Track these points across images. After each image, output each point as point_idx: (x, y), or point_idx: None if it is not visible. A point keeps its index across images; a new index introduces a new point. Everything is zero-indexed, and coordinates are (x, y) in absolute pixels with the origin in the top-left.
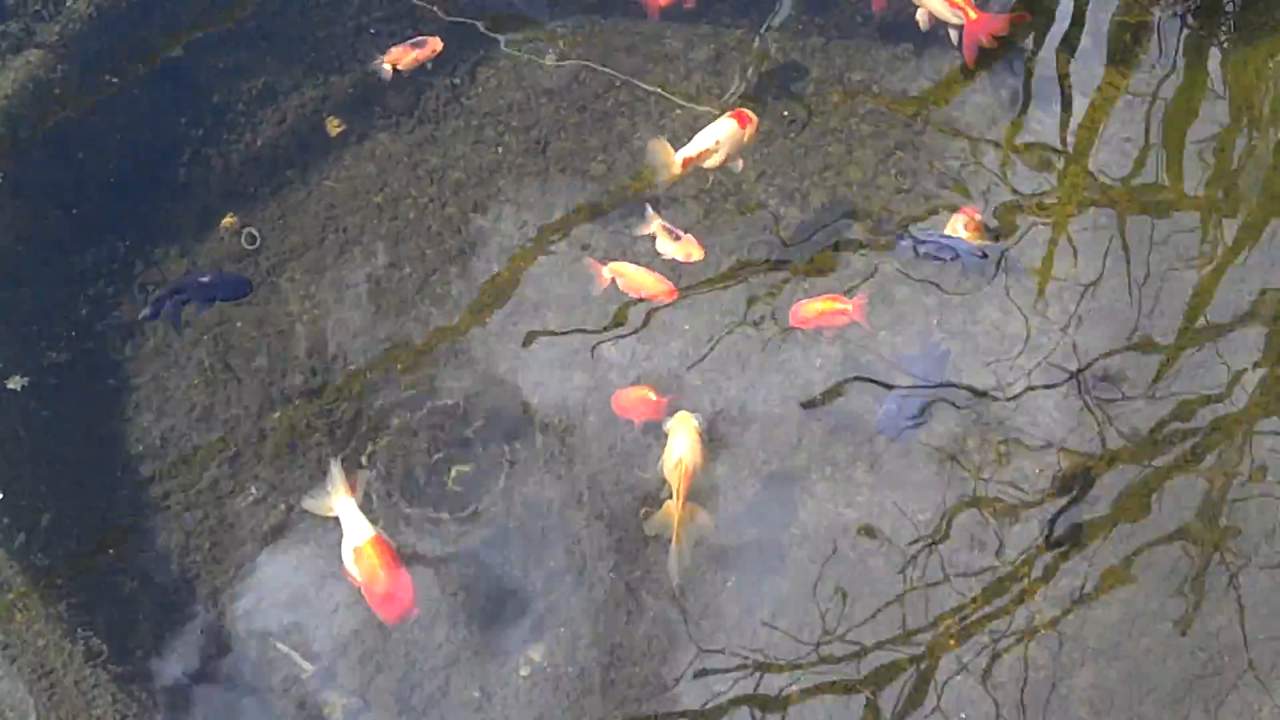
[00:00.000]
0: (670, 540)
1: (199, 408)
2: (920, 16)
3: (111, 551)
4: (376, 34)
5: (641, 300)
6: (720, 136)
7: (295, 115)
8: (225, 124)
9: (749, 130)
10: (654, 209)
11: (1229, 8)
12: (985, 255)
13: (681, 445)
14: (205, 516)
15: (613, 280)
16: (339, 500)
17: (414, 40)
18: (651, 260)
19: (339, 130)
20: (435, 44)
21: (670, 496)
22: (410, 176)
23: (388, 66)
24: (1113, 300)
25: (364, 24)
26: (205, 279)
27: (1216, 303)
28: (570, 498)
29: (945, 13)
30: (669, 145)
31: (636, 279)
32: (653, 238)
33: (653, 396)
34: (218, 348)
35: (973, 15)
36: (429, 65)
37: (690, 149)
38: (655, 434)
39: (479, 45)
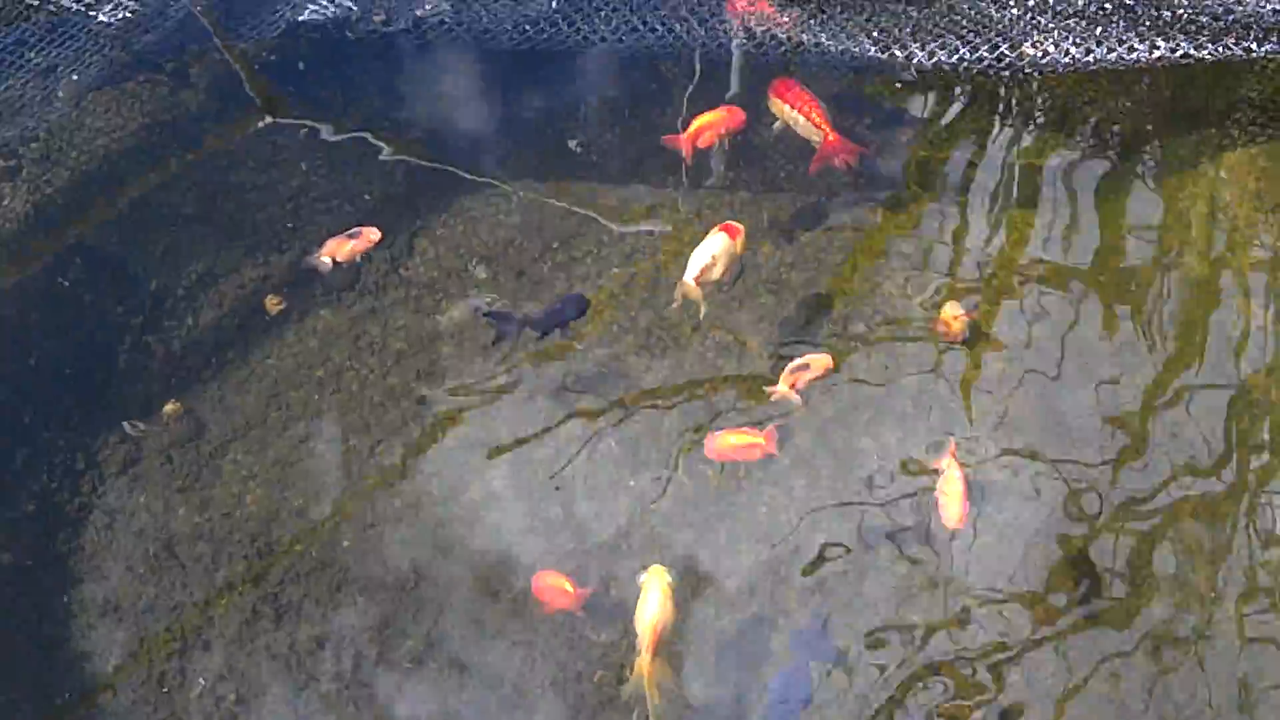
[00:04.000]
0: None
1: (144, 599)
2: (777, 126)
3: None
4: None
5: (590, 460)
6: (715, 251)
7: (235, 296)
8: (164, 310)
9: (740, 240)
10: (769, 388)
11: (1132, 147)
12: None
13: (653, 601)
14: (154, 710)
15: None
16: None
17: (350, 231)
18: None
19: (279, 308)
20: (372, 234)
21: (641, 652)
22: (352, 349)
23: (326, 260)
24: (1043, 437)
25: (301, 204)
26: (558, 309)
27: (1146, 435)
28: (526, 664)
29: (806, 130)
30: (683, 280)
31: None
32: (793, 396)
33: (569, 587)
34: (161, 535)
35: (830, 136)
36: (365, 258)
37: (692, 270)
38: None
39: (415, 216)
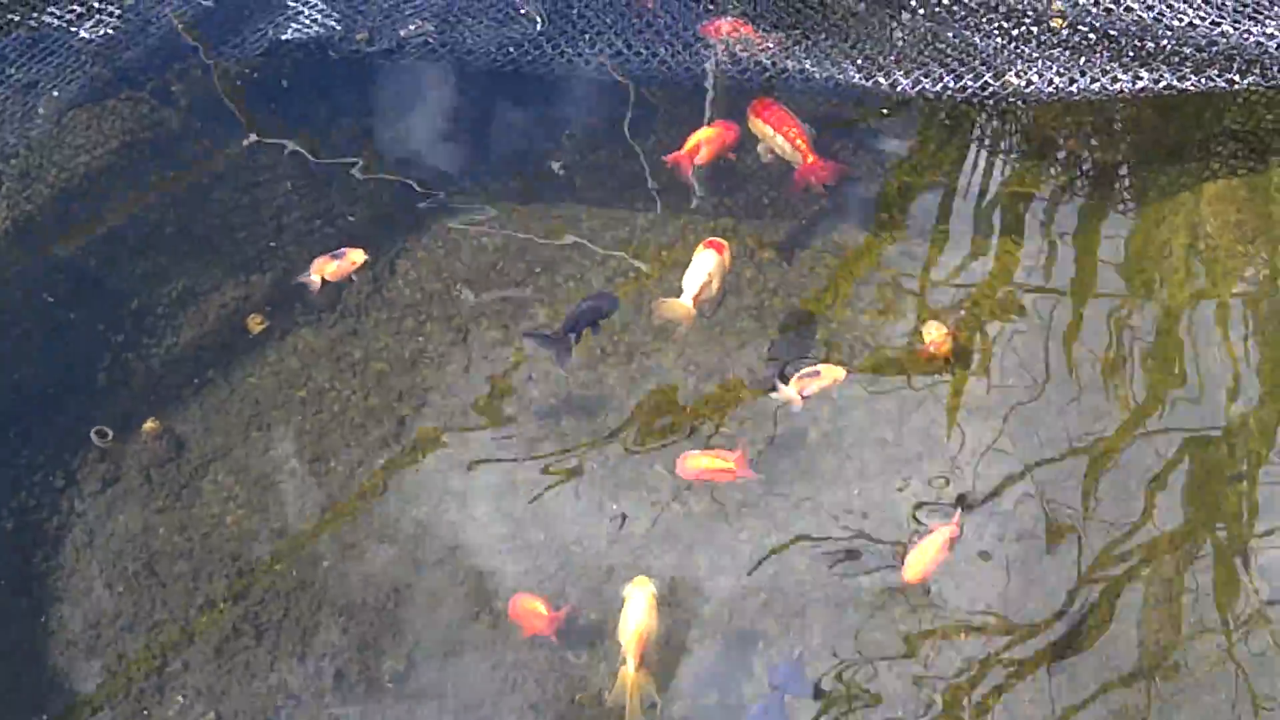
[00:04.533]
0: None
1: (124, 617)
2: (761, 150)
3: None
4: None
5: (571, 484)
6: (709, 269)
7: (216, 315)
8: (145, 328)
9: (726, 255)
10: (779, 382)
11: (1114, 177)
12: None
13: (638, 611)
14: None
15: None
16: None
17: (334, 252)
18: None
19: (261, 328)
20: (356, 255)
21: (624, 662)
22: (333, 370)
23: (316, 278)
24: (1023, 465)
25: (283, 224)
26: (587, 306)
27: (1126, 465)
28: (506, 685)
29: (787, 152)
30: (677, 302)
31: None
32: (795, 399)
33: (544, 610)
34: (141, 554)
35: (810, 159)
36: (353, 278)
37: (691, 290)
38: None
39: (397, 237)
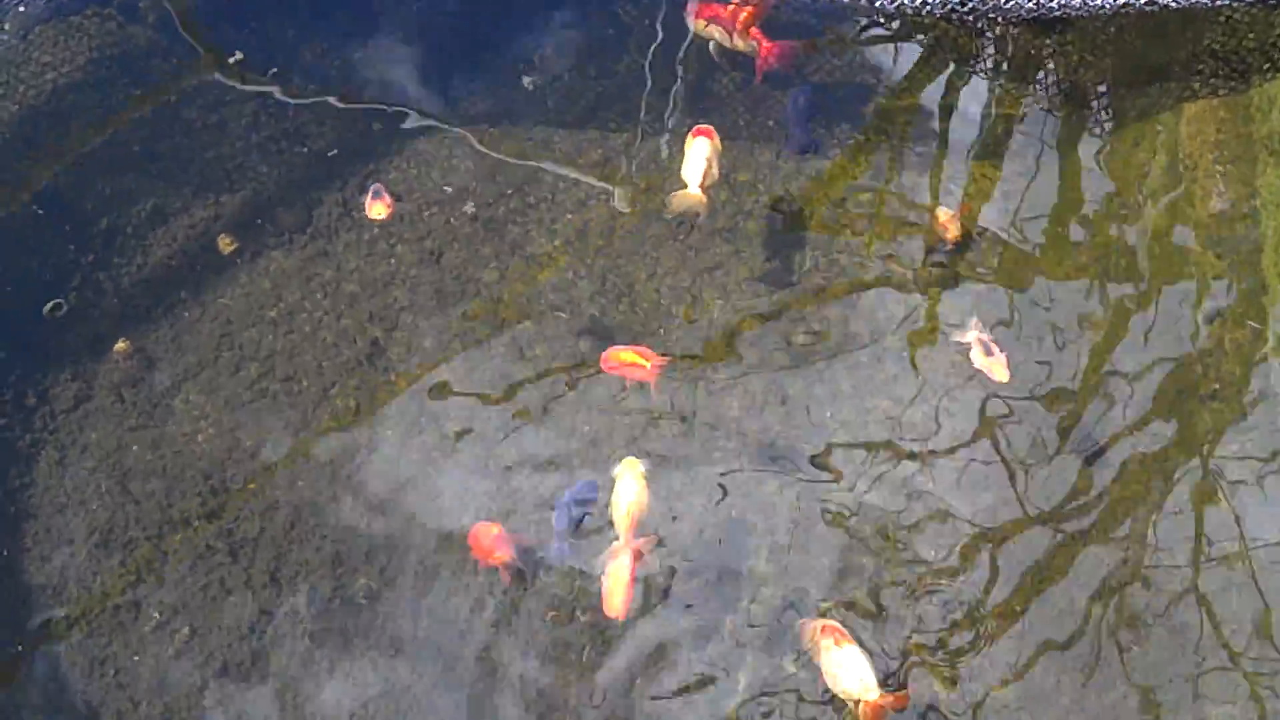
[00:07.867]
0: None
1: (97, 534)
2: (712, 48)
3: (14, 687)
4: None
5: (543, 404)
6: (706, 154)
7: (186, 236)
8: (115, 248)
9: (717, 139)
10: (978, 319)
11: (1095, 97)
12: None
13: (629, 488)
14: (108, 644)
15: None
16: None
17: (376, 190)
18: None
19: (231, 248)
20: (386, 205)
21: (618, 538)
22: (304, 291)
23: (380, 185)
24: (990, 387)
25: (251, 143)
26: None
27: (1103, 385)
28: (477, 606)
29: (739, 43)
30: (687, 193)
31: None
32: (966, 347)
33: (494, 530)
34: (114, 472)
35: (765, 44)
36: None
37: (696, 180)
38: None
39: (368, 158)
